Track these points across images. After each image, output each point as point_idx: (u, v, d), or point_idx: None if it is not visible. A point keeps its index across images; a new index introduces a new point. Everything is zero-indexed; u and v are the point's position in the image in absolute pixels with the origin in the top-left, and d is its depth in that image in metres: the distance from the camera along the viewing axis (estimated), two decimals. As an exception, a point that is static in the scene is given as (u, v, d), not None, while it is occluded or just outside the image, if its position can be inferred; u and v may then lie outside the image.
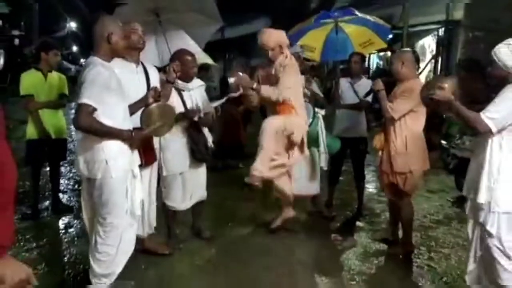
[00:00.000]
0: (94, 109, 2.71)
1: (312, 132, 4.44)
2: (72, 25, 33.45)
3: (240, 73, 3.92)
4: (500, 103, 2.71)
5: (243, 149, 7.33)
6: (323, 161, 4.57)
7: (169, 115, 3.37)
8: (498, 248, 2.77)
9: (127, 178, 2.91)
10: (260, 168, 3.88)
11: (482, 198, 2.78)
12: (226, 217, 4.87)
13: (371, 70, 18.73)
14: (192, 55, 3.89)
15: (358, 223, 4.78)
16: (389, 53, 17.79)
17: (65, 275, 3.46)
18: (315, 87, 4.80)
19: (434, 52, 14.61)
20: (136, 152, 3.08)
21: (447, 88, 2.95)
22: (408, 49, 4.52)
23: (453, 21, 13.98)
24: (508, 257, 2.77)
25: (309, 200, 4.91)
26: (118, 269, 2.96)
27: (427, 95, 3.02)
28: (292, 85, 3.93)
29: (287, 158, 4.07)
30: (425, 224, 4.80)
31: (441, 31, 14.72)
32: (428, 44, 16.31)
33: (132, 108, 3.14)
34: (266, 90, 3.89)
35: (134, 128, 3.04)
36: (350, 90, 4.89)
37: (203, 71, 9.84)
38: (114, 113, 2.82)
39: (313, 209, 4.97)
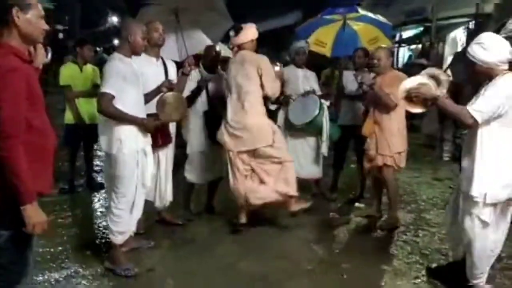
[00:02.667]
0: (113, 97, 3.26)
1: (318, 122, 4.89)
2: (114, 19, 34.62)
3: None
4: (487, 96, 2.84)
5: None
6: (324, 148, 5.01)
7: (180, 103, 3.88)
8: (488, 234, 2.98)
9: (138, 155, 3.43)
10: None
11: (475, 190, 2.90)
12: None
13: (402, 62, 18.83)
14: (216, 51, 4.53)
15: (358, 204, 5.21)
16: (419, 46, 17.86)
17: (92, 237, 4.10)
18: (313, 82, 5.24)
19: (464, 45, 14.61)
20: (148, 134, 3.57)
21: (429, 85, 3.09)
22: (385, 45, 4.90)
23: (483, 14, 13.96)
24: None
25: (313, 183, 5.37)
26: (131, 228, 3.53)
27: (410, 93, 3.12)
28: None
29: None
30: (421, 207, 5.19)
31: (472, 24, 14.70)
32: (460, 37, 16.27)
33: (148, 97, 3.69)
34: None
35: (148, 114, 3.56)
36: (354, 82, 5.28)
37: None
38: (127, 99, 3.33)
39: (317, 191, 5.42)
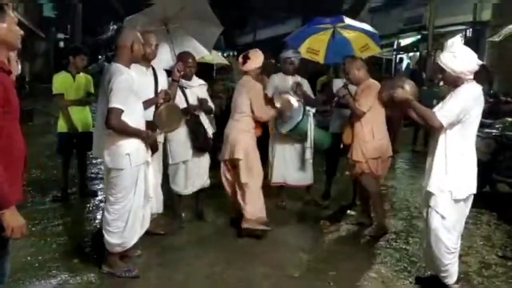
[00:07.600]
0: (122, 111, 3.24)
1: (301, 128, 4.89)
2: (116, 28, 34.71)
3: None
4: (452, 102, 3.13)
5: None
6: (308, 155, 5.00)
7: (176, 113, 3.96)
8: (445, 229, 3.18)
9: (142, 167, 3.47)
10: None
11: (439, 188, 3.15)
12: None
13: (401, 69, 18.88)
14: (192, 57, 4.50)
15: (349, 211, 5.21)
16: (417, 54, 17.92)
17: (81, 245, 4.10)
18: (306, 87, 5.25)
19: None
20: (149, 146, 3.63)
21: (408, 89, 3.46)
22: (360, 57, 4.95)
23: (481, 22, 14.06)
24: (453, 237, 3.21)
25: (304, 190, 5.38)
26: (131, 241, 3.51)
27: (389, 94, 3.45)
28: None
29: None
30: (413, 214, 5.19)
31: (469, 32, 14.79)
32: (457, 44, 16.33)
33: (145, 105, 3.69)
34: None
35: (147, 122, 3.60)
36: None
37: (223, 72, 10.39)
38: (133, 111, 3.36)
39: (309, 198, 5.43)
